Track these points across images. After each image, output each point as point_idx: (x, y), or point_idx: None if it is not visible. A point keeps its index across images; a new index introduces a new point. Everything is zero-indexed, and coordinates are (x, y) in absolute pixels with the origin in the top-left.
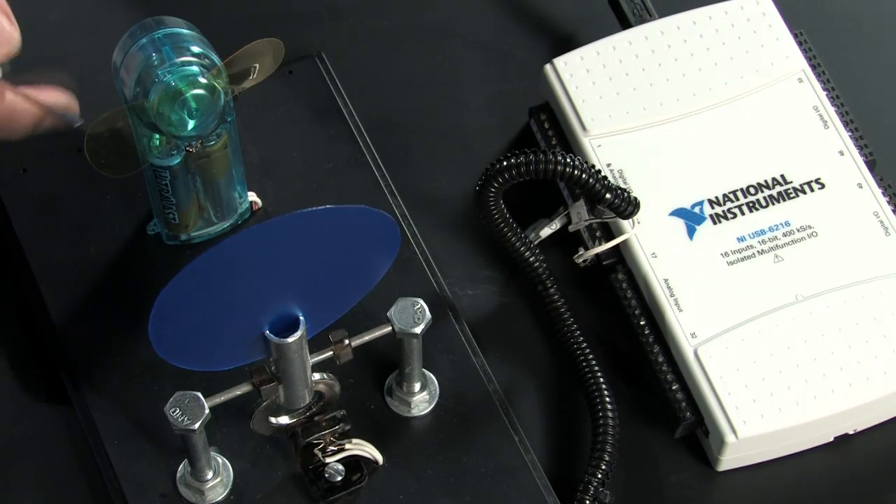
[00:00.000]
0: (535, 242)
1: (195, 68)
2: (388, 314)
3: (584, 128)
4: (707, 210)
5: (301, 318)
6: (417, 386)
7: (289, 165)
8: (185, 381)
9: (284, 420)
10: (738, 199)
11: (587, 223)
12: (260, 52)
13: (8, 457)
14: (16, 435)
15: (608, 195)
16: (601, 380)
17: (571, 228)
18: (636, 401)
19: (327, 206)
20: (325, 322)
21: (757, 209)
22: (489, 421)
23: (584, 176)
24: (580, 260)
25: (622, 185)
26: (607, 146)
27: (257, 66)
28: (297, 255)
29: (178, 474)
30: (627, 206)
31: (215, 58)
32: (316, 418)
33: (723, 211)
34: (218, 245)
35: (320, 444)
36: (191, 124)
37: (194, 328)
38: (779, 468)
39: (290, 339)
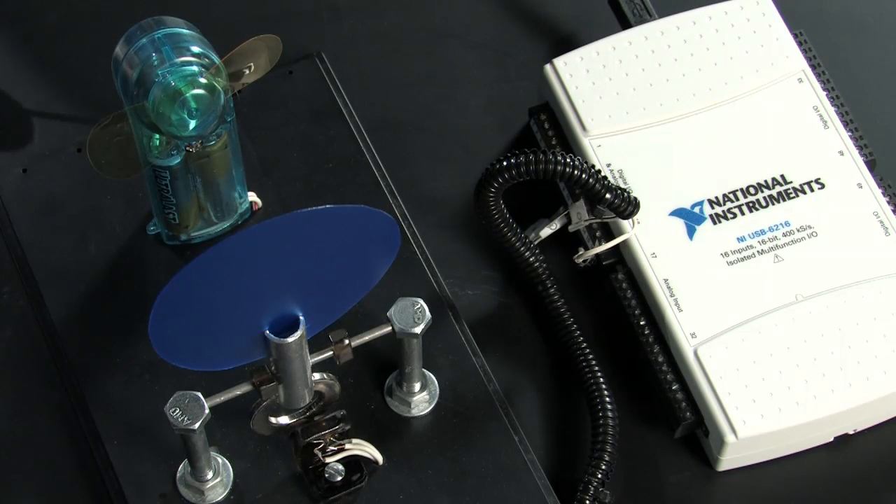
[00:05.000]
0: (535, 242)
1: (195, 68)
2: (388, 314)
3: (584, 128)
4: (707, 210)
5: (301, 318)
6: (417, 386)
7: (289, 165)
8: (185, 381)
9: (284, 420)
10: (738, 199)
11: (587, 223)
12: (257, 49)
13: (8, 457)
14: (16, 435)
15: (608, 195)
16: (601, 380)
17: (571, 228)
18: (636, 401)
19: (327, 206)
20: (325, 322)
21: (757, 209)
22: (489, 421)
23: (584, 176)
24: (580, 260)
25: (622, 185)
26: (607, 146)
27: (253, 64)
28: (297, 255)
29: (178, 474)
30: (627, 206)
31: (215, 57)
32: (316, 418)
33: (723, 211)
34: (218, 245)
35: (320, 444)
36: (191, 124)
37: (194, 328)
38: (779, 468)
39: (290, 339)
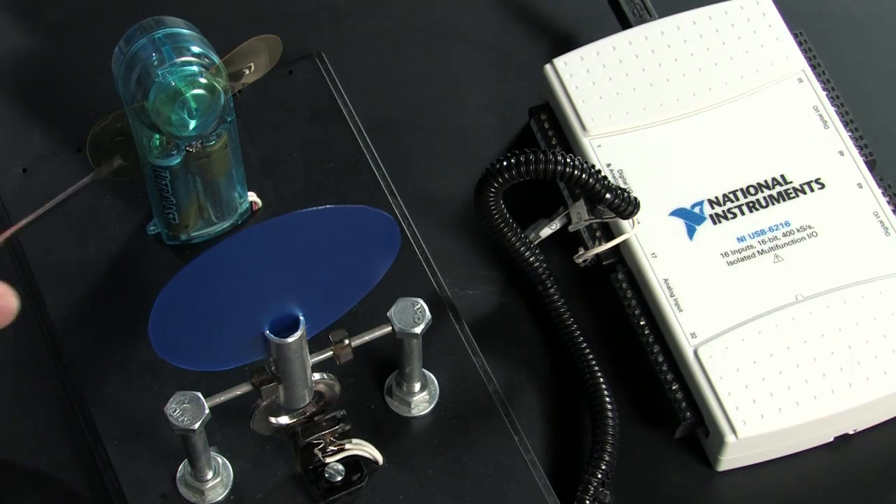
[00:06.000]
0: (535, 242)
1: (195, 68)
2: (388, 314)
3: (584, 128)
4: (707, 210)
5: (301, 318)
6: (417, 386)
7: (289, 165)
8: (185, 381)
9: (284, 420)
10: (738, 199)
11: (587, 223)
12: (257, 49)
13: (8, 456)
14: (16, 435)
15: (608, 195)
16: (601, 380)
17: (571, 228)
18: (636, 401)
19: (327, 206)
20: (325, 322)
21: (757, 209)
22: (489, 421)
23: (584, 176)
24: (580, 260)
25: (622, 185)
26: (607, 146)
27: (253, 64)
28: (297, 255)
29: (178, 474)
30: (627, 206)
31: (215, 57)
32: (316, 418)
33: (723, 211)
34: (218, 245)
35: (320, 444)
36: (191, 124)
37: (194, 328)
38: (779, 468)
39: (290, 339)
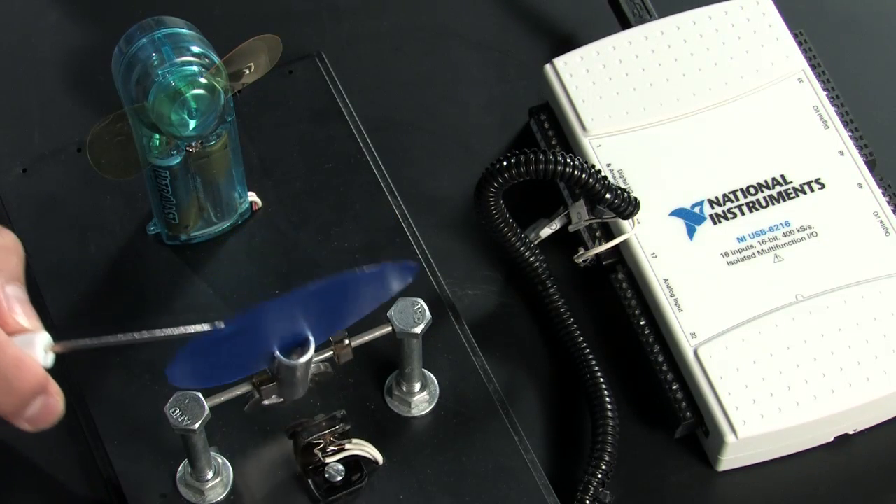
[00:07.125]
0: (535, 242)
1: (195, 68)
2: (388, 314)
3: (584, 128)
4: (707, 210)
5: (311, 339)
6: (417, 386)
7: (289, 165)
8: None
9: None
10: (738, 199)
11: (587, 223)
12: (257, 49)
13: (8, 457)
14: (16, 435)
15: (608, 195)
16: (601, 380)
17: (571, 228)
18: (636, 401)
19: (356, 271)
20: (331, 333)
21: (757, 209)
22: (489, 421)
23: (584, 176)
24: (580, 260)
25: (622, 185)
26: (607, 146)
27: (253, 64)
28: (321, 307)
29: (178, 474)
30: (627, 206)
31: (215, 57)
32: (316, 418)
33: (723, 211)
34: (239, 317)
35: (320, 444)
36: (191, 124)
37: (209, 367)
38: (779, 468)
39: (301, 360)
